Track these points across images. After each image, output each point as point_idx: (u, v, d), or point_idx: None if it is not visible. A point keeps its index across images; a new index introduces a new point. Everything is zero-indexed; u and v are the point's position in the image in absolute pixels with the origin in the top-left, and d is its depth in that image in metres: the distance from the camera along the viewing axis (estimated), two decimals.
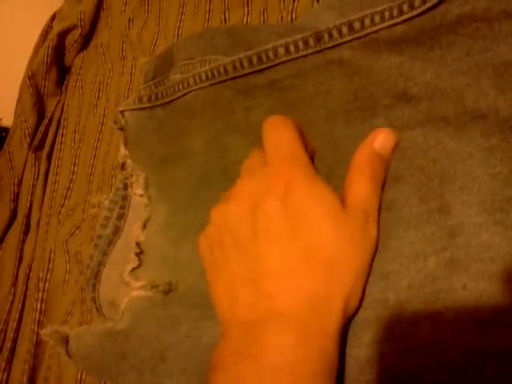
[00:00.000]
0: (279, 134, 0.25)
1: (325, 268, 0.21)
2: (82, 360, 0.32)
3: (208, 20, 0.42)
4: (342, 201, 0.23)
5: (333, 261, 0.21)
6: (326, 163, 0.27)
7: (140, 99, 0.35)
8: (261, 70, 0.29)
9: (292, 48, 0.27)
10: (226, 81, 0.30)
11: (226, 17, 0.41)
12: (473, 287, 0.21)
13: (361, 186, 0.23)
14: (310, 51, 0.27)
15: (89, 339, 0.31)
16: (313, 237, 0.22)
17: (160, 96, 0.34)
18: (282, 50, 0.28)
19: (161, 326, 0.29)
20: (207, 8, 0.43)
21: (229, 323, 0.23)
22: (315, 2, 0.35)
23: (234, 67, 0.29)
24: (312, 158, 0.27)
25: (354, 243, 0.22)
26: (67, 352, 0.32)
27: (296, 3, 0.36)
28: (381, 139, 0.24)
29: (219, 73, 0.30)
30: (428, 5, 0.24)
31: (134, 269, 0.33)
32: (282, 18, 0.37)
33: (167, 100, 0.34)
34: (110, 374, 0.30)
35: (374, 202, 0.24)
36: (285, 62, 0.28)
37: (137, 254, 0.34)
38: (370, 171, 0.24)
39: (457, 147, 0.23)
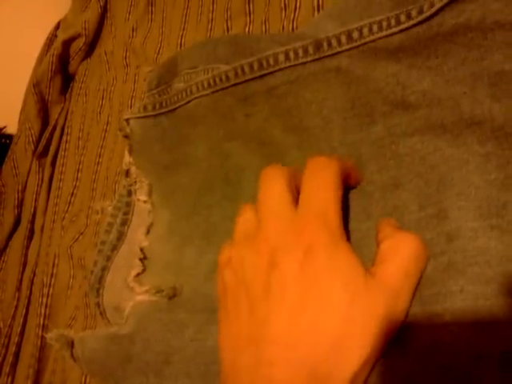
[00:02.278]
0: (318, 184, 0.23)
1: (331, 346, 0.20)
2: (87, 364, 0.32)
3: (211, 29, 0.43)
4: (371, 271, 0.22)
5: (341, 340, 0.20)
6: None
7: (145, 107, 0.35)
8: (261, 77, 0.29)
9: (292, 55, 0.28)
10: (227, 88, 0.31)
11: (229, 26, 0.42)
12: (470, 290, 0.21)
13: (399, 256, 0.22)
14: (309, 59, 0.28)
15: (94, 343, 0.32)
16: (324, 310, 0.20)
17: (164, 104, 0.35)
18: (282, 57, 0.28)
19: (166, 330, 0.29)
20: (210, 17, 0.44)
21: (228, 377, 0.23)
22: (316, 12, 0.35)
23: (236, 74, 0.30)
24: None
25: (371, 323, 0.20)
26: (72, 356, 0.33)
27: (297, 13, 0.36)
28: None
29: (221, 80, 0.31)
30: (424, 15, 0.24)
31: (138, 274, 0.33)
32: (283, 27, 0.37)
33: (171, 108, 0.34)
34: (115, 377, 0.31)
35: (412, 278, 0.22)
36: (284, 68, 0.28)
37: (141, 260, 0.34)
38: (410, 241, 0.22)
39: (454, 154, 0.23)
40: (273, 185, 0.24)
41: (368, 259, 0.24)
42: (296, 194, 0.24)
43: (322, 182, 0.23)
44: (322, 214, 0.22)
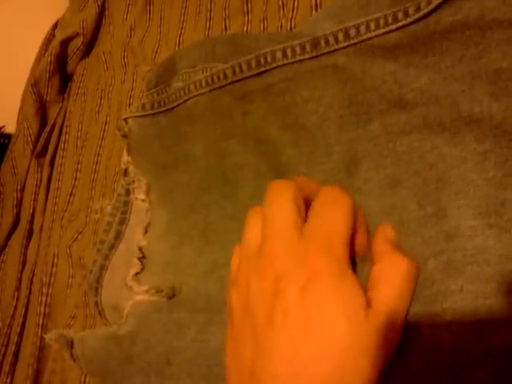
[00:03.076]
0: (328, 211, 0.23)
1: (331, 377, 0.20)
2: (87, 364, 0.32)
3: (209, 28, 0.43)
4: (367, 296, 0.22)
5: (341, 371, 0.20)
6: (319, 169, 0.27)
7: (143, 106, 0.35)
8: (258, 74, 0.29)
9: (289, 52, 0.28)
10: (225, 86, 0.31)
11: (227, 25, 0.42)
12: (469, 289, 0.21)
13: (391, 281, 0.22)
14: (306, 56, 0.28)
15: (94, 343, 0.32)
16: (325, 341, 0.20)
17: (162, 103, 0.35)
18: (279, 54, 0.28)
19: (166, 330, 0.29)
20: (208, 16, 0.44)
21: None
22: (314, 11, 0.35)
23: (234, 72, 0.30)
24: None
25: (371, 352, 0.20)
26: (72, 356, 0.33)
27: (295, 12, 0.36)
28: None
29: (219, 78, 0.31)
30: (422, 13, 0.24)
31: (136, 273, 0.33)
32: (281, 25, 0.37)
33: (169, 107, 0.34)
34: (116, 377, 0.31)
35: (406, 299, 0.22)
36: (281, 65, 0.28)
37: (139, 259, 0.34)
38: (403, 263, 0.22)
39: (452, 152, 0.23)
40: (280, 203, 0.24)
41: (365, 259, 0.24)
42: (303, 210, 0.24)
43: (334, 208, 0.23)
44: (328, 240, 0.22)
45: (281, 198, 0.24)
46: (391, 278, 0.22)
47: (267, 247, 0.23)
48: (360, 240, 0.24)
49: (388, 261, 0.23)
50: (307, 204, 0.24)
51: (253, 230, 0.25)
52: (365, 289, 0.22)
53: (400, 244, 0.24)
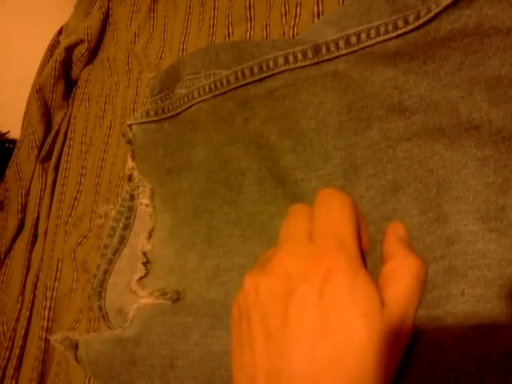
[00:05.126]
0: (332, 210, 0.23)
1: (350, 379, 0.20)
2: (91, 366, 0.32)
3: (212, 35, 0.44)
4: (380, 296, 0.21)
5: (359, 372, 0.20)
6: (317, 174, 0.28)
7: (147, 113, 0.36)
8: (260, 80, 0.29)
9: (291, 58, 0.28)
10: (227, 92, 0.31)
11: (230, 32, 0.42)
12: (470, 293, 0.21)
13: (403, 281, 0.22)
14: (307, 62, 0.28)
15: (98, 346, 0.32)
16: (343, 342, 0.20)
17: (166, 110, 0.35)
18: (281, 60, 0.28)
19: (170, 333, 0.30)
20: (211, 23, 0.44)
21: None
22: (316, 18, 0.35)
23: (236, 77, 0.30)
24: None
25: (387, 353, 0.20)
26: (76, 358, 0.33)
27: (297, 19, 0.37)
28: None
29: (222, 84, 0.31)
30: (421, 20, 0.24)
31: (141, 278, 0.34)
32: (283, 32, 0.37)
33: (173, 113, 0.34)
34: (120, 380, 0.31)
35: (416, 298, 0.22)
36: (283, 71, 0.29)
37: (144, 264, 0.34)
38: (412, 262, 0.22)
39: (452, 158, 0.24)
40: (296, 220, 0.24)
41: (370, 263, 0.24)
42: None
43: (335, 206, 0.23)
44: (338, 238, 0.22)
45: (297, 217, 0.25)
46: (403, 278, 0.22)
47: (277, 252, 0.23)
48: (362, 236, 0.24)
49: (399, 260, 0.23)
50: None
51: (264, 255, 0.26)
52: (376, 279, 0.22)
53: (411, 242, 0.24)
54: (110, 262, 0.36)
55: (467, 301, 0.21)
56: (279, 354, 0.21)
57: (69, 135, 0.56)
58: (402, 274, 0.22)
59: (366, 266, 0.23)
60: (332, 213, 0.23)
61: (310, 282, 0.21)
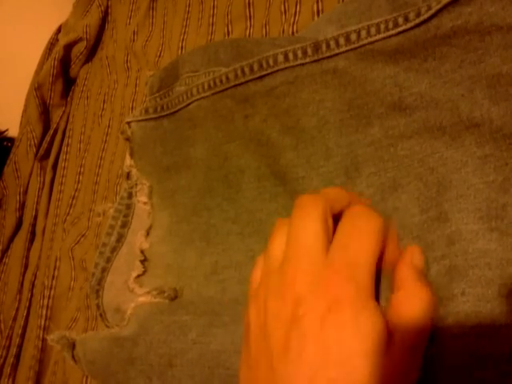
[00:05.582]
0: (355, 231, 0.22)
1: None
2: (88, 365, 0.32)
3: (211, 33, 0.43)
4: (389, 329, 0.20)
5: None
6: (318, 172, 0.28)
7: (146, 110, 0.36)
8: (260, 78, 0.29)
9: (291, 56, 0.28)
10: (227, 89, 0.31)
11: (229, 30, 0.42)
12: (471, 293, 0.21)
13: (413, 314, 0.21)
14: (307, 60, 0.28)
15: (95, 344, 0.32)
16: (342, 378, 0.19)
17: (165, 107, 0.35)
18: (281, 58, 0.28)
19: (168, 332, 0.30)
20: (210, 21, 0.44)
21: None
22: (316, 16, 0.35)
23: (236, 75, 0.30)
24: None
25: None
26: (73, 357, 0.33)
27: (297, 17, 0.37)
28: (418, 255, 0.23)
29: (221, 81, 0.31)
30: (422, 18, 0.24)
31: (138, 276, 0.33)
32: (283, 30, 0.37)
33: (172, 111, 0.34)
34: (117, 379, 0.31)
35: (426, 330, 0.21)
36: (283, 69, 0.29)
37: (141, 262, 0.34)
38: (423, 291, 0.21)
39: (452, 156, 0.23)
40: (308, 220, 0.22)
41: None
42: (331, 230, 0.23)
43: (360, 227, 0.22)
44: (353, 266, 0.21)
45: (307, 218, 0.22)
46: (414, 310, 0.21)
47: (289, 268, 0.22)
48: (389, 257, 0.23)
49: (411, 290, 0.22)
50: (337, 220, 0.23)
51: (277, 245, 0.24)
52: (384, 313, 0.21)
53: (426, 270, 0.23)
54: (108, 260, 0.36)
55: (468, 300, 0.21)
56: (279, 380, 0.20)
57: (67, 133, 0.56)
58: (413, 305, 0.21)
59: (380, 285, 0.22)
60: (356, 235, 0.22)
61: (313, 312, 0.20)
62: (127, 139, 0.37)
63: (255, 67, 0.29)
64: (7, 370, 0.47)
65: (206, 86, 0.32)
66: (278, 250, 0.23)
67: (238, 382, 0.25)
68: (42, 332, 0.46)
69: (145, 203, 0.36)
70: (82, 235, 0.47)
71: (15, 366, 0.47)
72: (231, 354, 0.27)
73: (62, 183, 0.53)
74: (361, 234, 0.22)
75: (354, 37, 0.26)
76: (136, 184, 0.37)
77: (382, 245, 0.22)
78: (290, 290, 0.21)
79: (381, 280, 0.23)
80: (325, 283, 0.21)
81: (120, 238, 0.36)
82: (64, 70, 0.58)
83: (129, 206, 0.37)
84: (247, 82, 0.30)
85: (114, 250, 0.36)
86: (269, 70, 0.29)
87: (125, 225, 0.37)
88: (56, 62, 0.56)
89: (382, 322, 0.20)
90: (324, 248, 0.22)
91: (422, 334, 0.21)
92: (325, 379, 0.19)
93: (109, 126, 0.51)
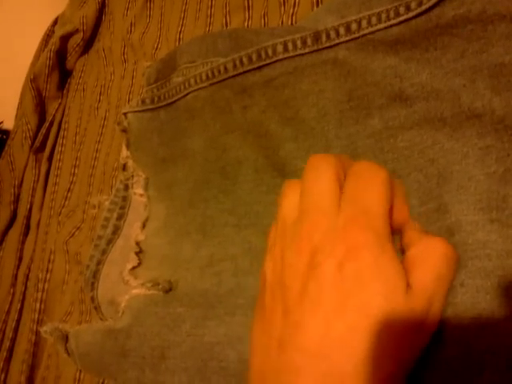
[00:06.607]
0: (364, 183, 0.22)
1: (363, 360, 0.19)
2: (82, 358, 0.32)
3: (209, 24, 0.43)
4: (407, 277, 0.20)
5: (373, 355, 0.19)
6: None
7: (143, 101, 0.35)
8: (259, 68, 0.29)
9: (290, 46, 0.28)
10: (225, 80, 0.30)
11: (227, 21, 0.42)
12: (470, 284, 0.21)
13: (429, 264, 0.21)
14: (307, 50, 0.27)
15: (89, 337, 0.32)
16: (361, 321, 0.19)
17: (162, 98, 0.34)
18: (280, 48, 0.28)
19: (162, 324, 0.29)
20: (208, 13, 0.44)
21: (253, 376, 0.22)
22: (315, 7, 0.35)
23: (234, 65, 0.30)
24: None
25: (407, 338, 0.19)
26: (66, 350, 0.33)
27: (296, 7, 0.36)
28: None
29: (219, 72, 0.30)
30: (424, 7, 0.24)
31: (133, 268, 0.33)
32: (282, 21, 0.37)
33: (169, 101, 0.34)
34: (110, 371, 0.30)
35: (445, 282, 0.21)
36: (282, 59, 0.28)
37: (136, 253, 0.34)
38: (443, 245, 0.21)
39: (453, 147, 0.23)
40: (320, 175, 0.23)
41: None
42: (343, 182, 0.23)
43: (369, 180, 0.22)
44: (368, 214, 0.21)
45: (321, 170, 0.23)
46: (430, 261, 0.21)
47: (305, 221, 0.22)
48: (397, 214, 0.23)
49: (425, 244, 0.21)
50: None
51: (289, 204, 0.24)
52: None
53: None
54: (104, 252, 0.36)
55: (467, 291, 0.21)
56: (293, 327, 0.20)
57: (63, 126, 0.56)
58: (428, 256, 0.21)
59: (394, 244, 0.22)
60: (364, 186, 0.22)
61: (331, 259, 0.20)
62: (124, 130, 0.36)
63: (254, 57, 0.29)
64: (0, 363, 0.46)
65: (203, 77, 0.31)
66: (292, 207, 0.23)
67: (231, 374, 0.25)
68: (35, 325, 0.45)
69: (141, 195, 0.36)
70: (77, 228, 0.47)
71: (8, 360, 0.47)
72: (225, 346, 0.27)
73: (57, 175, 0.53)
74: (370, 185, 0.22)
75: (354, 26, 0.26)
76: (132, 176, 0.36)
77: (390, 193, 0.22)
78: (306, 241, 0.21)
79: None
80: (342, 232, 0.21)
81: (116, 231, 0.36)
82: (60, 62, 0.58)
83: (125, 198, 0.36)
84: (245, 72, 0.30)
85: (110, 242, 0.36)
86: (268, 61, 0.29)
87: (121, 217, 0.36)
88: (52, 54, 0.56)
89: (400, 267, 0.20)
90: (337, 197, 0.22)
91: (440, 286, 0.21)
92: (342, 323, 0.19)
93: (105, 118, 0.51)
